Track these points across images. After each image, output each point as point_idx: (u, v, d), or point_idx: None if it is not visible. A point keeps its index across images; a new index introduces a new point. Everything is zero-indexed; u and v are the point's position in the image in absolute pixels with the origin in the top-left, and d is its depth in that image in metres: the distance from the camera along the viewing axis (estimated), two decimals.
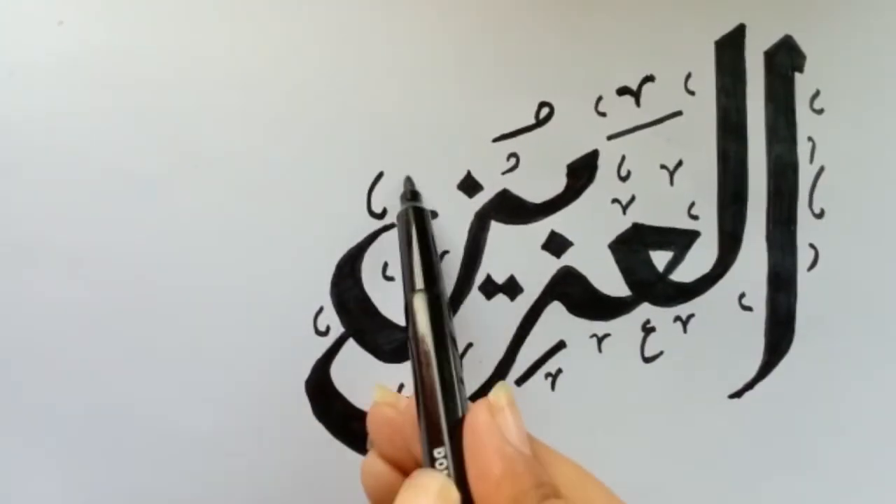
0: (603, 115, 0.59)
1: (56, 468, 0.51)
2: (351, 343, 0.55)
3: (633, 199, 0.59)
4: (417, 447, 0.40)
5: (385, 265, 0.55)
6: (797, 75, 0.62)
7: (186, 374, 0.52)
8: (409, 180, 0.55)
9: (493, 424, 0.37)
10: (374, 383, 0.54)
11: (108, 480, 0.52)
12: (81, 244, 0.52)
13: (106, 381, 0.52)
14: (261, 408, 0.53)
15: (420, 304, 0.44)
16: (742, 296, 0.60)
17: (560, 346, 0.57)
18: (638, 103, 0.59)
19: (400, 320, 0.56)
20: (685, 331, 0.59)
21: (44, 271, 0.51)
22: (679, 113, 0.60)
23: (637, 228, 0.59)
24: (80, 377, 0.51)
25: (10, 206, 0.51)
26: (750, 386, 0.60)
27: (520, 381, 0.57)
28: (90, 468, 0.52)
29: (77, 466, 0.51)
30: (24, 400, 0.51)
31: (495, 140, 0.57)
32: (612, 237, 0.59)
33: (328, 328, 0.54)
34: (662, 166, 0.59)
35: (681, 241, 0.60)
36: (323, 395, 0.54)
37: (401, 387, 0.55)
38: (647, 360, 0.58)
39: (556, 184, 0.58)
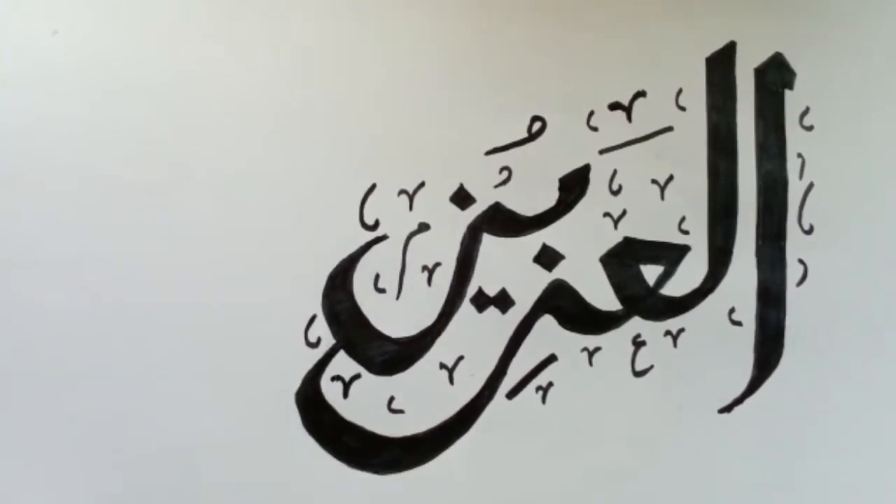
0: (595, 129, 0.59)
1: (47, 472, 0.51)
2: (342, 355, 0.55)
3: (624, 213, 0.59)
4: None
5: (377, 277, 0.55)
6: (787, 92, 0.63)
7: (176, 383, 0.52)
8: None
9: None
10: (364, 395, 0.55)
11: (95, 486, 0.51)
12: (76, 253, 0.51)
13: (97, 389, 0.51)
14: (250, 419, 0.53)
15: None
16: (732, 310, 0.60)
17: (551, 359, 0.57)
18: (629, 118, 0.60)
19: (391, 332, 0.56)
20: (675, 345, 0.59)
21: (39, 279, 0.51)
22: (670, 128, 0.60)
23: (628, 242, 0.59)
24: (72, 385, 0.51)
25: (4, 215, 0.51)
26: (739, 401, 0.60)
27: (511, 395, 0.57)
28: (76, 473, 0.51)
29: (63, 471, 0.51)
30: (14, 405, 0.51)
31: (488, 153, 0.58)
32: (603, 251, 0.59)
33: (319, 340, 0.54)
34: (653, 181, 0.60)
35: (671, 255, 0.60)
36: (312, 408, 0.54)
37: (391, 399, 0.55)
38: (637, 373, 0.59)
39: (549, 197, 0.58)
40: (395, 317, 0.56)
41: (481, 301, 0.57)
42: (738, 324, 0.60)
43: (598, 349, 0.58)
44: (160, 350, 0.52)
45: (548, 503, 0.56)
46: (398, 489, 0.54)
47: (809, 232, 0.62)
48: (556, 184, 0.59)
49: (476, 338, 0.56)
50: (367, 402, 0.55)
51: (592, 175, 0.59)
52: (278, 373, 0.54)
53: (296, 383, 0.54)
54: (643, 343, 0.59)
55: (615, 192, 0.59)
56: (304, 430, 0.53)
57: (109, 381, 0.51)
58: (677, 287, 0.60)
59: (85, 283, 0.51)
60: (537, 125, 0.58)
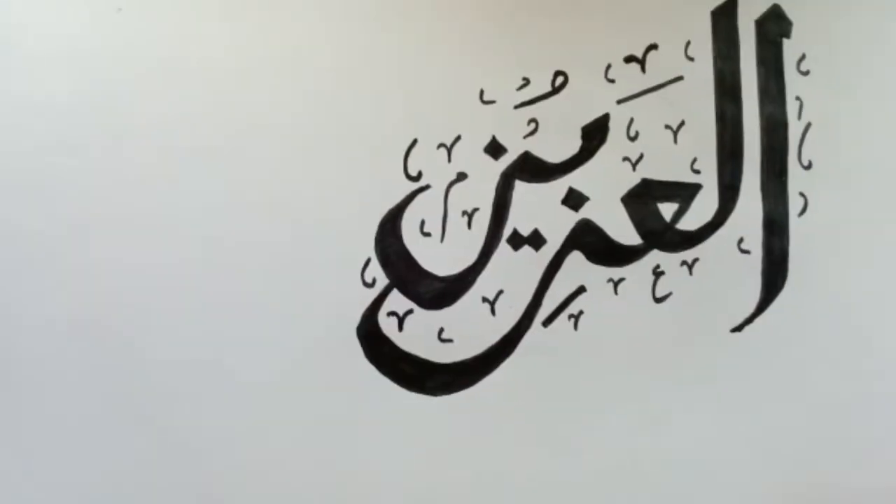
0: (612, 81, 0.65)
1: (114, 408, 0.57)
2: (395, 293, 0.61)
3: (641, 157, 0.65)
4: None
5: (422, 222, 0.61)
6: (785, 41, 0.68)
7: (247, 325, 0.58)
8: None
9: None
10: (417, 328, 0.61)
11: (176, 420, 0.58)
12: (152, 209, 0.57)
13: (175, 331, 0.57)
14: (318, 353, 0.59)
15: None
16: (741, 240, 0.66)
17: (581, 290, 0.64)
18: (643, 70, 0.65)
19: (437, 271, 0.61)
20: (691, 273, 0.65)
21: (123, 237, 0.56)
22: (680, 78, 0.66)
23: (646, 183, 0.65)
24: (171, 325, 0.57)
25: (76, 183, 0.56)
26: (749, 320, 0.66)
27: (546, 323, 0.63)
28: (157, 411, 0.57)
29: (135, 408, 0.57)
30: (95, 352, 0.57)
31: (517, 107, 0.63)
32: (623, 192, 0.65)
33: (374, 280, 0.60)
34: (667, 126, 0.65)
35: (685, 193, 0.66)
36: (373, 340, 0.60)
37: (441, 330, 0.61)
38: (657, 300, 0.65)
39: (573, 145, 0.64)
40: (440, 257, 0.61)
41: (516, 241, 0.63)
42: (747, 252, 0.66)
43: (622, 280, 0.64)
44: (231, 296, 0.58)
45: (581, 414, 0.63)
46: (451, 408, 0.61)
47: (808, 167, 0.67)
48: (579, 132, 0.64)
49: (513, 273, 0.62)
50: (419, 334, 0.61)
51: (611, 123, 0.64)
52: (341, 312, 0.60)
53: (356, 319, 0.60)
54: (662, 273, 0.65)
55: (633, 138, 0.65)
56: (366, 359, 0.60)
57: (185, 324, 0.57)
58: (691, 221, 0.66)
59: (163, 240, 0.57)
60: (560, 80, 0.64)
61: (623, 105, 0.65)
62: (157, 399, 0.57)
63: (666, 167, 0.65)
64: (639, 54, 0.65)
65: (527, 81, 0.63)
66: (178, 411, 0.57)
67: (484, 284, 0.62)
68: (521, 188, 0.63)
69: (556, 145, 0.64)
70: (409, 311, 0.61)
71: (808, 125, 0.68)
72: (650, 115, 0.65)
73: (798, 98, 0.68)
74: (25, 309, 0.55)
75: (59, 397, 0.56)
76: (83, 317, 0.56)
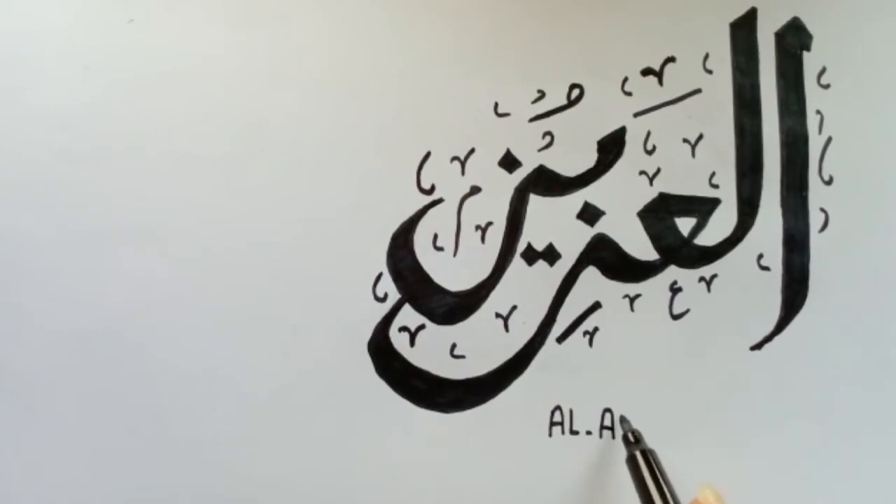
0: (629, 94, 0.64)
1: (138, 416, 0.57)
2: (407, 308, 0.60)
3: (658, 171, 0.64)
4: None
5: (435, 236, 0.61)
6: (805, 54, 0.67)
7: (256, 339, 0.58)
8: (625, 421, 0.61)
9: None
10: (429, 343, 0.60)
11: (184, 433, 0.57)
12: (157, 224, 0.57)
13: (183, 343, 0.57)
14: (328, 368, 0.59)
15: None
16: (760, 257, 0.65)
17: (596, 306, 0.63)
18: (661, 82, 0.64)
19: (450, 286, 0.61)
20: (709, 290, 0.64)
21: (132, 247, 0.56)
22: (699, 90, 0.65)
23: (663, 198, 0.64)
24: (163, 342, 0.57)
25: (86, 192, 0.56)
26: (769, 338, 0.65)
27: (560, 339, 0.62)
28: (164, 418, 0.57)
29: (147, 419, 0.57)
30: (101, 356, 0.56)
31: (531, 120, 0.63)
32: (640, 206, 0.64)
33: (386, 295, 0.60)
34: (685, 140, 0.64)
35: (703, 208, 0.65)
36: (384, 355, 0.59)
37: (453, 346, 0.60)
38: (675, 317, 0.64)
39: (588, 159, 0.63)
40: (453, 272, 0.61)
41: (530, 255, 0.62)
42: (766, 269, 0.65)
43: (638, 296, 0.63)
44: (251, 307, 0.58)
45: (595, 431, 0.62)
46: (462, 425, 0.60)
47: (829, 182, 0.66)
48: (595, 146, 0.63)
49: (527, 289, 0.62)
50: (431, 349, 0.60)
51: (628, 137, 0.64)
52: (352, 326, 0.59)
53: (368, 334, 0.59)
54: (679, 289, 0.64)
55: (650, 152, 0.64)
56: (376, 375, 0.59)
57: (196, 337, 0.57)
58: (709, 237, 0.64)
59: (166, 252, 0.57)
60: (576, 92, 0.63)
61: (640, 118, 0.64)
62: (166, 411, 0.57)
63: (683, 181, 0.64)
64: (656, 67, 0.64)
65: (542, 94, 0.62)
66: (185, 424, 0.57)
67: (497, 300, 0.61)
68: (535, 202, 0.62)
69: (572, 159, 0.63)
70: (422, 327, 0.60)
71: (829, 139, 0.66)
72: (667, 128, 0.64)
73: (819, 112, 0.67)
74: (35, 318, 0.55)
75: (66, 408, 0.56)
76: (91, 327, 0.56)
